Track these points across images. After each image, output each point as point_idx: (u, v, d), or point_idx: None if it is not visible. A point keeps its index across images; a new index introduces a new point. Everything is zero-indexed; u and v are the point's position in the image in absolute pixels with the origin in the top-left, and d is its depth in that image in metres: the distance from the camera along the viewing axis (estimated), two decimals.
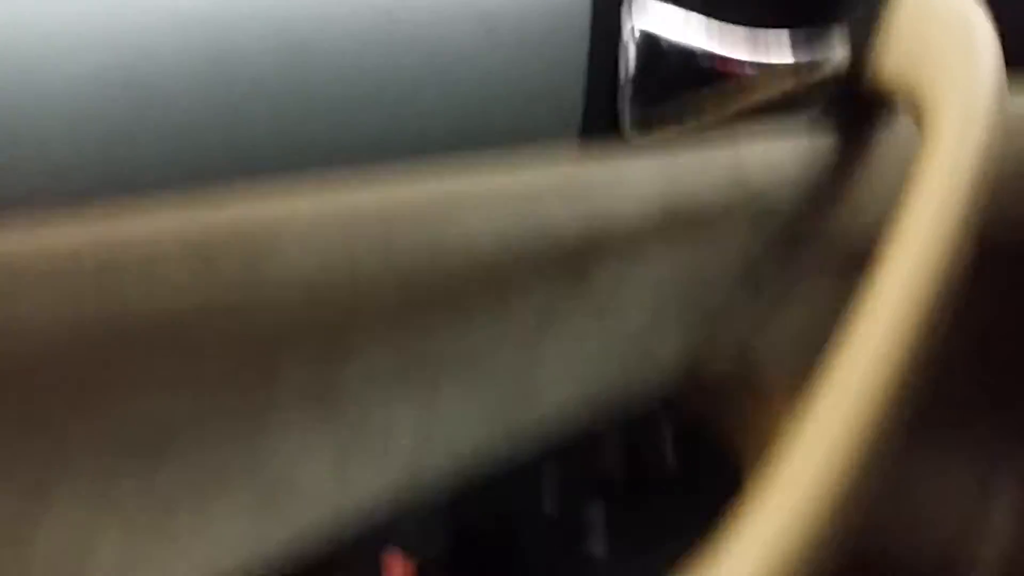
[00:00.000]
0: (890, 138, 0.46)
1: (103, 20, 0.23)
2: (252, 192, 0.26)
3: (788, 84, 0.41)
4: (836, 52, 0.41)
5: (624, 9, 0.36)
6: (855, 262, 0.46)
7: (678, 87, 0.39)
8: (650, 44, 0.37)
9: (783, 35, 0.40)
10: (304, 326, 0.30)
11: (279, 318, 0.28)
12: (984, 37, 0.39)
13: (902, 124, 0.45)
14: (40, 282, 0.23)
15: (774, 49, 0.40)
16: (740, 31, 0.38)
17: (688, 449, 0.42)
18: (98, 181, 0.23)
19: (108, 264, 0.24)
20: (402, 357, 0.35)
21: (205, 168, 0.25)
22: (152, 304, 0.25)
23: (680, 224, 0.39)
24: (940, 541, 0.73)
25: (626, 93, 0.37)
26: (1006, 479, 0.71)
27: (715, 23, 0.38)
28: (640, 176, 0.38)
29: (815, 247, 0.47)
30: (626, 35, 0.36)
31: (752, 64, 0.40)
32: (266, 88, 0.26)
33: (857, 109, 0.44)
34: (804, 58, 0.41)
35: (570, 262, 0.37)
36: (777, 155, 0.42)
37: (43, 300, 0.23)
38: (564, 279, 0.38)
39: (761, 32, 0.39)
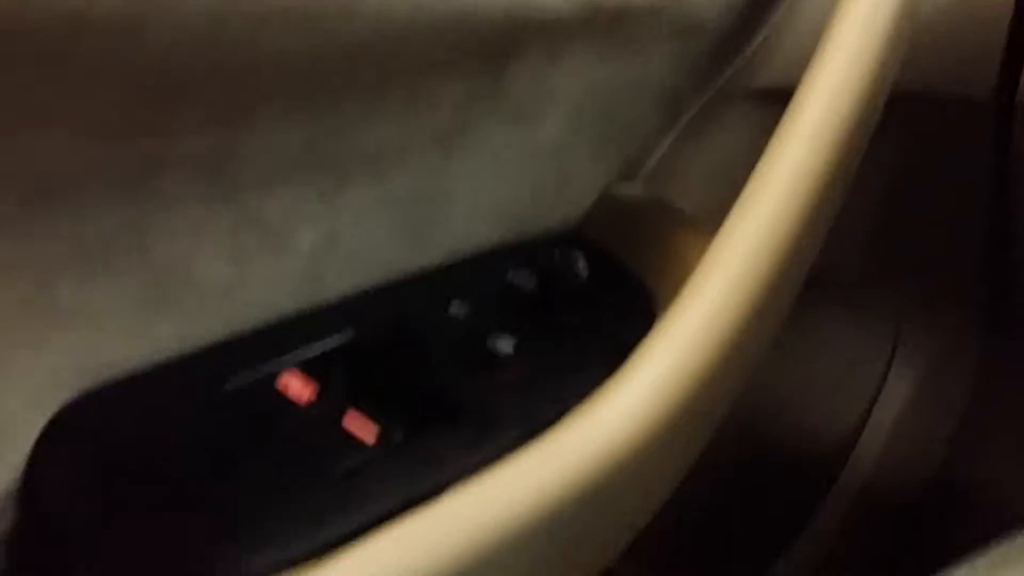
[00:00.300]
0: None
1: None
2: None
3: None
4: None
5: None
6: (772, 95, 0.46)
7: None
8: None
9: None
10: (201, 71, 0.26)
11: (179, 45, 0.25)
12: None
13: None
14: None
15: None
16: None
17: (599, 269, 0.41)
18: None
19: None
20: (307, 139, 0.32)
21: None
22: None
23: (604, 21, 0.37)
24: (836, 408, 0.75)
25: None
26: (909, 341, 0.73)
27: None
28: None
29: (735, 73, 0.46)
30: None
31: None
32: None
33: None
34: None
35: (489, 52, 0.35)
36: None
37: None
38: (482, 73, 0.35)
39: None
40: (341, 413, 0.33)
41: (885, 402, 0.74)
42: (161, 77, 0.26)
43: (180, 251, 0.31)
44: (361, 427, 0.33)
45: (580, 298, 0.40)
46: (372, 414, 0.33)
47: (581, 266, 0.40)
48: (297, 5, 0.27)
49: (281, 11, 0.27)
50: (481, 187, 0.40)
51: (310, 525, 0.29)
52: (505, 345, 0.37)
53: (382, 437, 0.33)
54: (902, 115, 0.54)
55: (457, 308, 0.38)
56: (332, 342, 0.36)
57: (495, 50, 0.35)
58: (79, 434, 0.30)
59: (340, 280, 0.37)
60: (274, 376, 0.34)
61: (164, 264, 0.31)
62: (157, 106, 0.27)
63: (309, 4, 0.27)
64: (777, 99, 0.39)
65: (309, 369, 0.35)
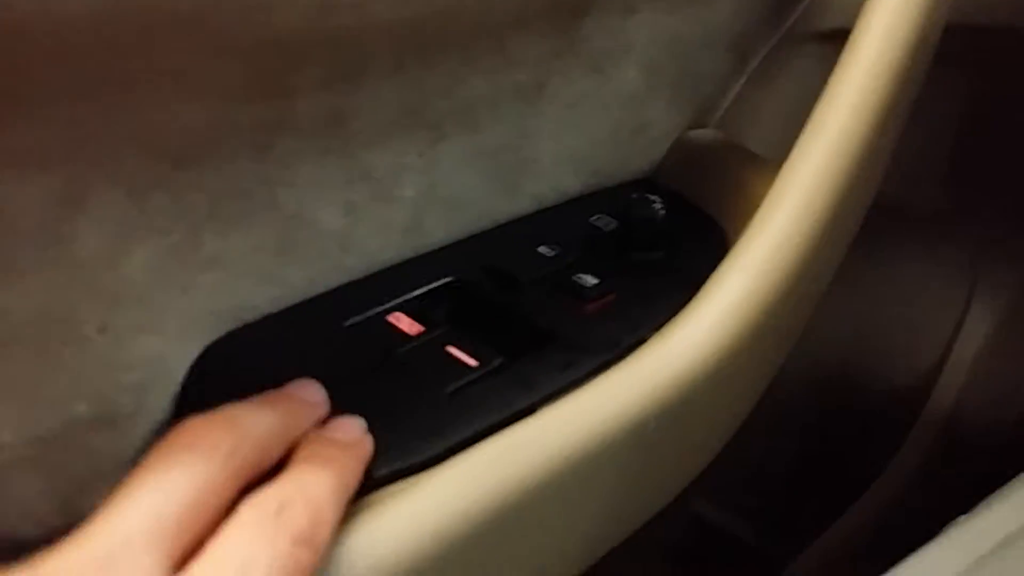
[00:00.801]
0: None
1: None
2: None
3: None
4: None
5: None
6: (833, 36, 0.48)
7: None
8: None
9: None
10: (316, 41, 0.30)
11: (295, 24, 0.29)
12: None
13: None
14: None
15: None
16: None
17: (674, 211, 0.44)
18: None
19: None
20: (408, 99, 0.36)
21: None
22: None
23: None
24: (916, 346, 0.76)
25: None
26: (987, 276, 0.74)
27: None
28: None
29: (799, 18, 0.48)
30: None
31: None
32: None
33: None
34: None
35: (566, 8, 0.38)
36: None
37: None
38: (560, 29, 0.39)
39: None
40: (445, 343, 0.37)
41: (965, 339, 0.75)
42: (283, 45, 0.30)
43: (303, 203, 0.35)
44: (464, 354, 0.37)
45: (657, 237, 0.43)
46: (473, 343, 0.37)
47: (658, 208, 0.43)
48: None
49: None
50: (564, 137, 0.43)
51: (422, 438, 0.34)
52: (590, 280, 0.40)
53: (482, 362, 0.36)
54: (973, 48, 0.55)
55: (545, 250, 0.42)
56: (435, 284, 0.40)
57: (572, 6, 0.38)
58: (226, 366, 0.35)
59: (439, 227, 0.41)
60: (386, 314, 0.39)
61: (290, 215, 0.35)
62: (279, 71, 0.31)
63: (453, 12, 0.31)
64: (839, 40, 0.41)
65: (416, 308, 0.39)
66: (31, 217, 0.28)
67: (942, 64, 0.46)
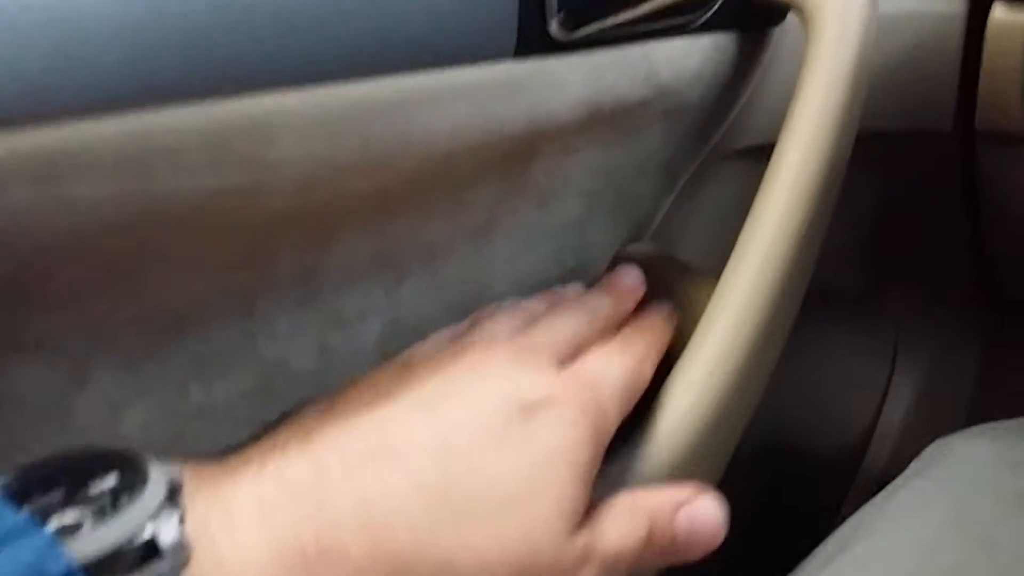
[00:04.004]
0: (782, 35, 0.52)
1: None
2: (252, 92, 0.30)
3: None
4: None
5: None
6: (756, 151, 0.52)
7: None
8: None
9: None
10: (296, 211, 0.33)
11: (277, 202, 0.32)
12: None
13: (792, 23, 0.51)
14: (80, 170, 0.26)
15: None
16: None
17: None
18: (126, 88, 0.27)
19: (140, 152, 0.27)
20: (374, 246, 0.39)
21: (212, 79, 0.29)
22: (176, 186, 0.28)
23: (603, 118, 0.44)
24: (847, 416, 0.81)
25: None
26: (910, 361, 0.79)
27: None
28: (567, 74, 0.42)
29: (722, 137, 0.53)
30: None
31: None
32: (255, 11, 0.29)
33: (753, 11, 0.49)
34: None
35: (514, 156, 0.42)
36: (684, 54, 0.47)
37: (83, 185, 0.26)
38: (509, 173, 0.42)
39: None
40: None
41: (893, 403, 0.79)
42: (271, 220, 0.33)
43: (282, 350, 0.38)
44: None
45: None
46: None
47: None
48: (373, 154, 0.34)
49: (360, 160, 0.34)
50: (515, 262, 0.46)
51: None
52: None
53: None
54: (884, 150, 0.60)
55: None
56: None
57: (519, 154, 0.42)
58: None
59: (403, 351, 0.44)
60: None
61: (271, 362, 0.37)
62: (259, 244, 0.34)
63: (377, 152, 0.34)
64: (761, 155, 0.46)
65: None
66: (38, 397, 0.30)
67: (858, 164, 0.50)
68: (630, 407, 0.37)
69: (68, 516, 0.23)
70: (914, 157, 0.63)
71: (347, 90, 0.33)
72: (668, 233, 0.53)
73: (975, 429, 0.57)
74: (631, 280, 0.45)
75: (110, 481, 0.24)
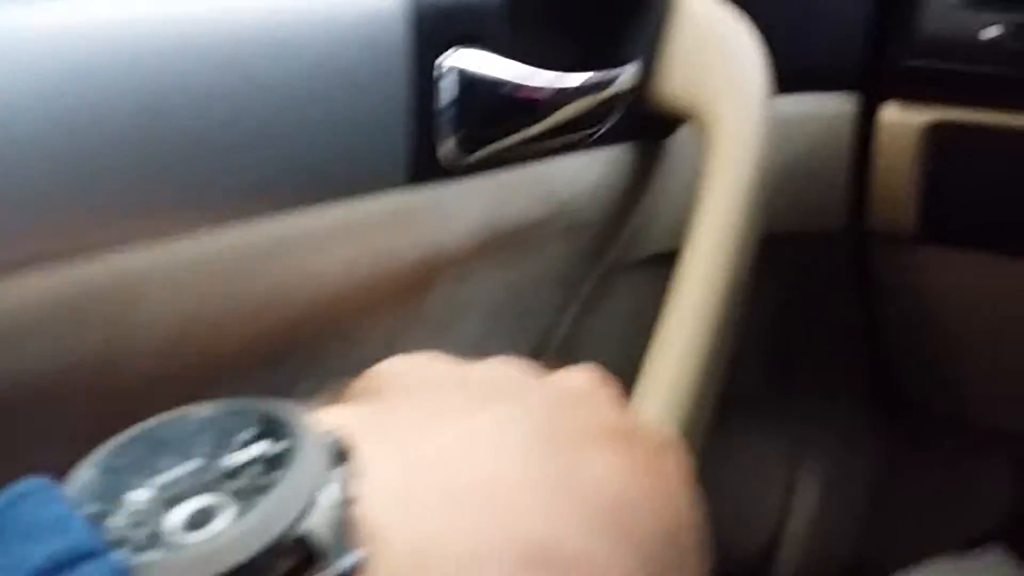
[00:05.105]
0: (678, 146, 0.52)
1: None
2: (114, 247, 0.27)
3: (583, 105, 0.46)
4: (624, 78, 0.46)
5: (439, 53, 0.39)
6: (654, 260, 0.52)
7: (487, 115, 0.42)
8: (461, 79, 0.40)
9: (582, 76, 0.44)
10: (168, 374, 0.31)
11: (144, 367, 0.29)
12: (751, 57, 0.46)
13: (689, 133, 0.51)
14: None
15: (570, 79, 0.44)
16: (543, 73, 0.42)
17: None
18: None
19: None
20: (260, 394, 0.36)
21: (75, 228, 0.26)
22: (24, 367, 0.26)
23: (502, 240, 0.43)
24: (753, 518, 0.80)
25: (442, 123, 0.41)
26: (813, 460, 0.79)
27: (520, 65, 0.42)
28: (462, 200, 0.41)
29: (621, 248, 0.52)
30: (439, 73, 0.40)
31: (549, 90, 0.44)
32: (121, 149, 0.27)
33: (648, 123, 0.49)
34: (596, 82, 0.45)
35: (410, 287, 0.40)
36: (581, 170, 0.47)
37: None
38: (404, 305, 0.41)
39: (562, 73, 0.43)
40: None
41: (798, 503, 0.79)
42: (137, 394, 0.30)
43: None
44: None
45: None
46: None
47: None
48: (252, 305, 0.32)
49: (236, 312, 0.32)
50: None
51: None
52: None
53: None
54: (784, 250, 0.61)
55: None
56: None
57: (414, 286, 0.40)
58: None
59: None
60: None
61: None
62: (134, 412, 0.31)
63: (255, 302, 0.32)
64: (661, 263, 0.45)
65: None
66: None
67: (756, 266, 0.50)
68: None
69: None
70: (810, 258, 0.64)
71: (221, 238, 0.31)
72: (571, 346, 0.52)
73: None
74: None
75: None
